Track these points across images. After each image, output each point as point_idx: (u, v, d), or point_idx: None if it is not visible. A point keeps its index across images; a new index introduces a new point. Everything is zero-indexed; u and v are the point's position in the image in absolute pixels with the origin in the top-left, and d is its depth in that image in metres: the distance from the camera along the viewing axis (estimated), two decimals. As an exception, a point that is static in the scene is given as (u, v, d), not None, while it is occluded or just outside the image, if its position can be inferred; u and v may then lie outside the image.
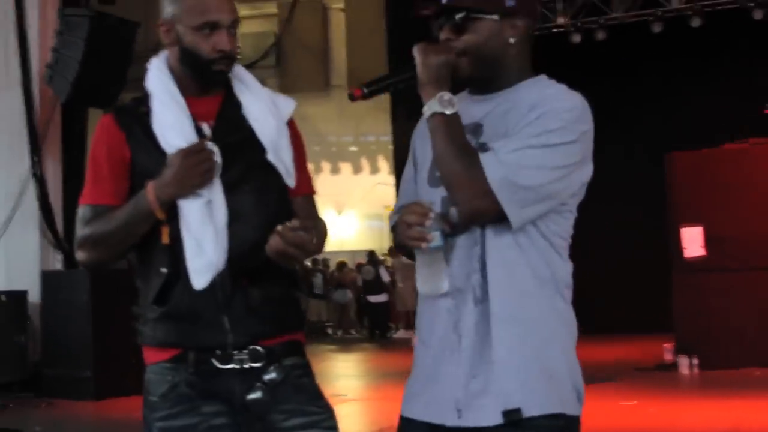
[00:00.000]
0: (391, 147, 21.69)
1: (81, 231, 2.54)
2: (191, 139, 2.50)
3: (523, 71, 2.44)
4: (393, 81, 2.43)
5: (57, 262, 10.49)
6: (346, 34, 23.97)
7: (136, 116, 2.56)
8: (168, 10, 2.58)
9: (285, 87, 23.93)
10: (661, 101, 16.44)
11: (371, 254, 20.34)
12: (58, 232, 10.34)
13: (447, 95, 2.32)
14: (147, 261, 2.54)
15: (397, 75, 2.44)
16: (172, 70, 2.61)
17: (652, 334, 14.36)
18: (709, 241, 11.46)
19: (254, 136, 2.58)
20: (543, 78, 2.46)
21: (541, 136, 2.25)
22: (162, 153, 2.49)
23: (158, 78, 2.61)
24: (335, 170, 24.18)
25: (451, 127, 2.30)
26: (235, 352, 2.49)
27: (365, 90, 2.40)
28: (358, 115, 23.46)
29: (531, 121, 2.27)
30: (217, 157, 2.49)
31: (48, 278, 10.17)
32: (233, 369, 2.50)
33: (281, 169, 2.61)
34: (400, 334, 19.47)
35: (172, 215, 2.47)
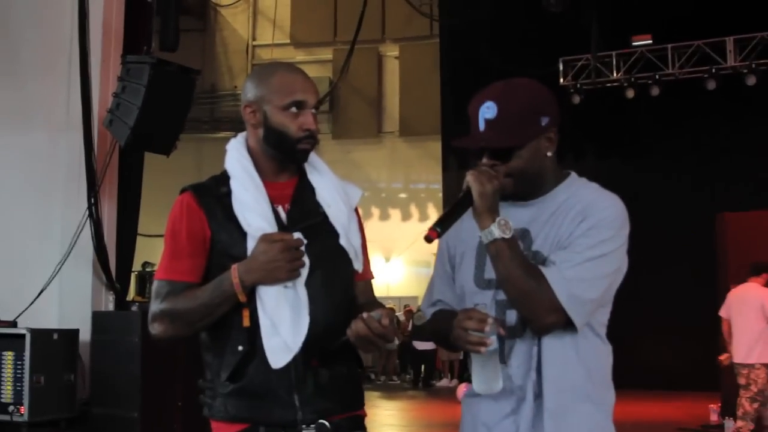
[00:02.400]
0: (440, 195, 21.78)
1: (158, 306, 2.61)
2: (271, 221, 2.60)
3: (557, 174, 2.61)
4: (456, 213, 2.53)
5: (109, 303, 10.62)
6: (400, 82, 24.15)
7: (217, 196, 2.64)
8: (253, 92, 2.68)
9: (338, 133, 24.16)
10: (713, 159, 16.37)
11: (419, 302, 20.33)
12: (111, 273, 10.47)
13: (503, 220, 2.46)
14: (221, 337, 2.61)
15: (459, 207, 2.53)
16: (251, 152, 2.71)
17: (696, 392, 14.20)
18: (758, 303, 11.33)
19: (327, 221, 2.67)
20: (574, 177, 2.63)
21: (596, 248, 2.43)
22: (242, 234, 2.58)
23: (237, 160, 2.70)
24: (384, 216, 24.27)
25: (513, 250, 2.44)
26: (303, 426, 2.57)
27: (439, 230, 2.49)
28: (408, 162, 23.61)
29: (584, 232, 2.45)
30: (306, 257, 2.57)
31: (99, 318, 10.26)
32: None
33: (351, 253, 2.70)
34: (444, 383, 19.43)
35: (251, 296, 2.55)
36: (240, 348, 2.56)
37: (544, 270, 2.42)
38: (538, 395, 2.46)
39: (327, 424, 2.58)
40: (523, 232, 2.52)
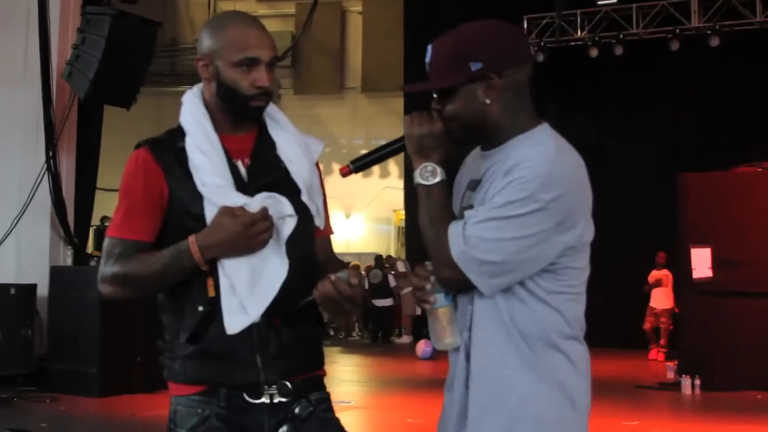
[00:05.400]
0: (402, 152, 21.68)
1: (110, 267, 2.52)
2: (228, 178, 2.51)
3: (517, 122, 2.42)
4: (379, 156, 2.54)
5: (67, 258, 10.54)
6: (363, 38, 23.96)
7: (174, 152, 2.54)
8: (206, 44, 2.58)
9: (299, 88, 23.99)
10: (675, 119, 16.44)
11: (378, 258, 20.37)
12: (69, 228, 10.38)
13: (430, 166, 2.40)
14: (180, 298, 2.54)
15: (384, 148, 2.53)
16: (207, 105, 2.61)
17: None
18: (716, 263, 11.45)
19: (289, 177, 2.60)
20: (537, 130, 2.42)
21: (503, 208, 2.27)
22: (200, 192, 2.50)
23: (192, 113, 2.60)
24: (345, 173, 24.19)
25: (429, 198, 2.38)
26: (265, 387, 2.52)
27: (352, 167, 2.50)
28: (370, 118, 23.49)
29: (499, 190, 2.29)
30: (290, 222, 2.53)
31: (57, 273, 10.20)
32: (263, 403, 2.52)
33: (313, 210, 2.63)
34: (404, 339, 19.50)
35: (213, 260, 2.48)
36: (200, 308, 2.49)
37: (452, 223, 2.33)
38: (468, 357, 2.37)
39: (289, 385, 2.54)
40: (475, 183, 2.43)
